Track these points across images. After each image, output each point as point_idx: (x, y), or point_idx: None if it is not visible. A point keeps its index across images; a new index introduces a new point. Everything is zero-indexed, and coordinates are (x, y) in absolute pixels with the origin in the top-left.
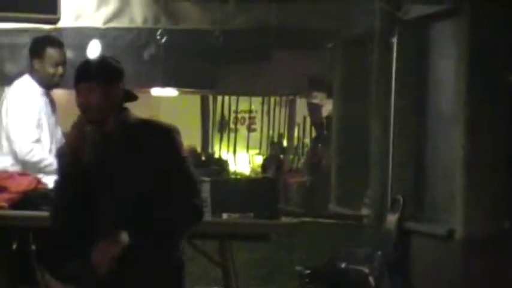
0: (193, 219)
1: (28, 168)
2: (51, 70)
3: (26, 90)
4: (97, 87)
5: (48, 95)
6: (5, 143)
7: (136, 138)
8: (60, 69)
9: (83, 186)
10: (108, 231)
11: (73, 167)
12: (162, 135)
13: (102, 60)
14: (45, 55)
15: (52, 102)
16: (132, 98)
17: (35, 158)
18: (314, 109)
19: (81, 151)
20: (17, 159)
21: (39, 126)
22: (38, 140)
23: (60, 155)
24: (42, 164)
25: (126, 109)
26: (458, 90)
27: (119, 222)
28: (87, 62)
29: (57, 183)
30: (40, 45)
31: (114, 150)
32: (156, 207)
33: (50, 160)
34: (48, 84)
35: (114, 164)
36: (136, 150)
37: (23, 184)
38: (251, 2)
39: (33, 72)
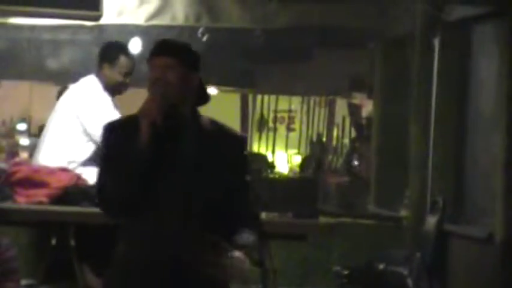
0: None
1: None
2: (119, 78)
3: (98, 89)
4: (177, 66)
5: (112, 99)
6: (80, 137)
7: (209, 138)
8: (127, 80)
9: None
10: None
11: (139, 143)
12: (236, 144)
13: (186, 43)
14: (117, 62)
15: (116, 107)
16: (203, 100)
17: None
18: (354, 109)
19: (153, 128)
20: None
21: None
22: None
23: (118, 129)
24: None
25: (197, 110)
26: (499, 92)
27: (172, 211)
28: (170, 39)
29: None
30: (114, 51)
31: (185, 143)
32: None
33: None
34: (112, 91)
35: (181, 156)
36: (207, 149)
37: (64, 180)
38: (293, 1)
39: (100, 76)
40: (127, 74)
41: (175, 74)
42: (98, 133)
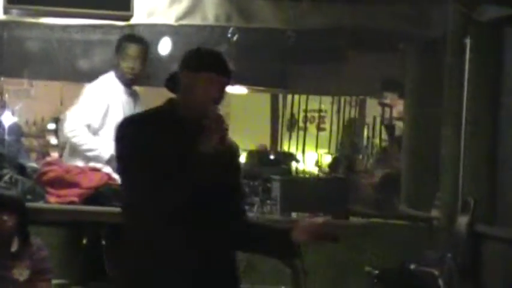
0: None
1: (76, 153)
2: (124, 64)
3: (103, 83)
4: (226, 86)
5: (131, 94)
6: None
7: (230, 153)
8: (133, 64)
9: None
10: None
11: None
12: (238, 153)
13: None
14: (122, 50)
15: (135, 101)
16: None
17: (76, 139)
18: (385, 110)
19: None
20: (63, 139)
21: (103, 118)
22: (88, 126)
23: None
24: (82, 148)
25: None
26: None
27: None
28: (222, 55)
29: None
30: (121, 41)
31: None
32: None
33: (92, 146)
34: (124, 80)
35: (219, 172)
36: (228, 164)
37: (94, 179)
38: (325, 2)
39: (116, 70)
40: (132, 59)
41: (224, 94)
42: (67, 120)
